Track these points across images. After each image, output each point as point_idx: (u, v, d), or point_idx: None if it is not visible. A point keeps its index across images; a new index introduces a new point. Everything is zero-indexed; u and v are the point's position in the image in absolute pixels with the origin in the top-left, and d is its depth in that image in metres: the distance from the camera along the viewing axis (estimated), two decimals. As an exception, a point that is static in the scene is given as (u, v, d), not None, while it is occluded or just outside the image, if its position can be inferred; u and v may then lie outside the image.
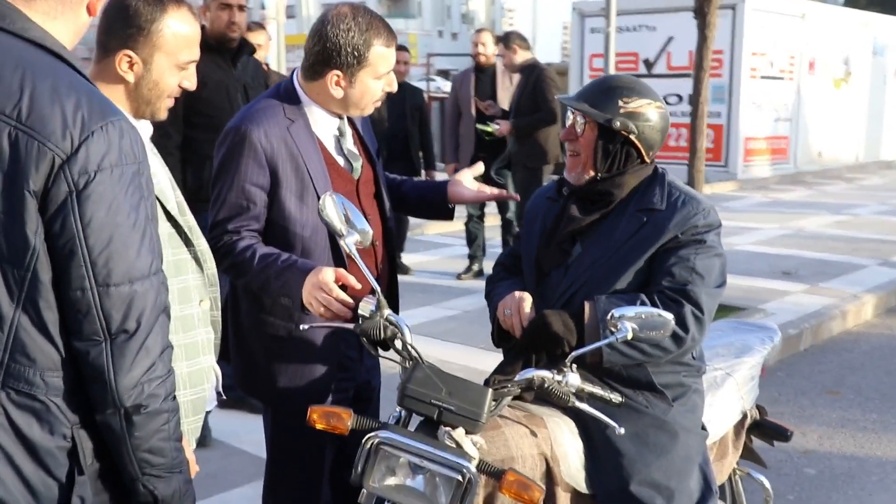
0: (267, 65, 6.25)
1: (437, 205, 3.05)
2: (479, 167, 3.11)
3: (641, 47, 16.28)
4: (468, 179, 3.02)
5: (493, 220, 8.75)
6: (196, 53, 2.25)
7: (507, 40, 7.93)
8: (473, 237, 8.39)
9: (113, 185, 1.64)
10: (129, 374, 1.68)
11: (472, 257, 8.41)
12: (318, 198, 2.58)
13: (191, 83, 2.27)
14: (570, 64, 17.83)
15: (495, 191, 3.07)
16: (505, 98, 8.04)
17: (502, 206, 8.27)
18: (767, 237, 10.80)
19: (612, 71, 11.92)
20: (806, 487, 4.50)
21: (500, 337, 2.81)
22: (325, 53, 2.63)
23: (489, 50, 8.14)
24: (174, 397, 1.79)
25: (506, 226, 8.33)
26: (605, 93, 2.68)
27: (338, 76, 2.65)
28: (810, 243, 10.37)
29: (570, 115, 2.76)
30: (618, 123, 2.63)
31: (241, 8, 4.64)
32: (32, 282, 1.63)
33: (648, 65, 16.37)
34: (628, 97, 2.66)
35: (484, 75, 8.19)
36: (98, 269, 1.64)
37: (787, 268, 8.87)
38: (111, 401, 1.69)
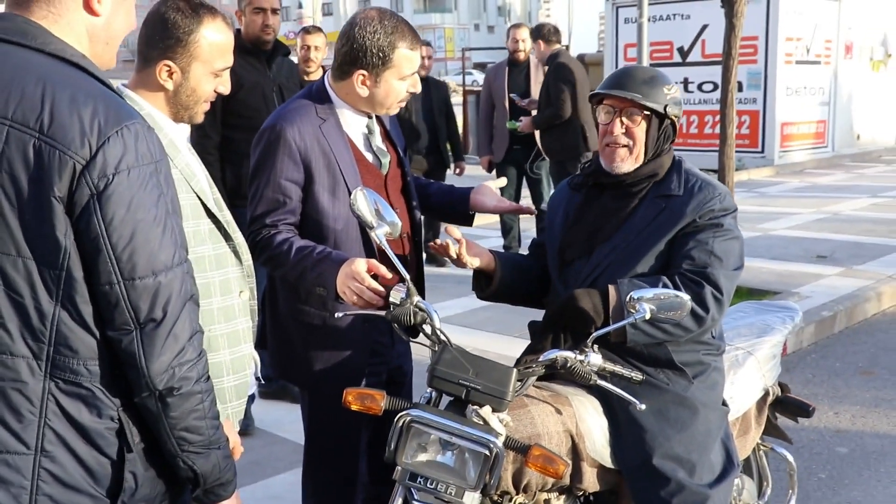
0: (323, 67, 6.37)
1: (459, 212, 3.20)
2: (502, 181, 3.28)
3: (676, 36, 16.25)
4: (491, 189, 3.15)
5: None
6: (230, 60, 2.38)
7: (535, 32, 8.05)
8: (508, 228, 8.51)
9: (131, 185, 1.74)
10: (160, 360, 1.79)
11: (507, 248, 8.52)
12: (350, 192, 2.73)
13: (225, 88, 2.40)
14: (605, 54, 17.84)
15: (514, 204, 3.22)
16: (538, 91, 8.15)
17: (536, 198, 8.38)
18: (803, 221, 10.79)
19: (645, 61, 11.97)
20: (837, 465, 4.57)
21: (477, 283, 3.01)
22: (353, 54, 2.78)
23: (528, 45, 8.26)
24: (207, 378, 1.90)
25: (540, 217, 8.42)
26: (648, 83, 2.80)
27: (363, 76, 2.79)
28: (846, 227, 10.35)
29: (608, 108, 2.83)
30: (671, 110, 2.79)
31: (275, 11, 4.81)
32: (67, 280, 1.74)
33: (683, 53, 16.33)
34: (668, 84, 2.82)
35: (517, 69, 8.30)
36: (123, 263, 1.74)
37: (823, 251, 8.88)
38: (145, 385, 1.80)
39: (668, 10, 16.26)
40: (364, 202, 2.59)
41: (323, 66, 6.29)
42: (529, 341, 2.90)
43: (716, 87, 15.09)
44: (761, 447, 3.34)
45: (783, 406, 3.31)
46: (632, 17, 16.22)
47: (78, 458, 1.81)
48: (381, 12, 2.81)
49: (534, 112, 7.98)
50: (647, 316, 2.42)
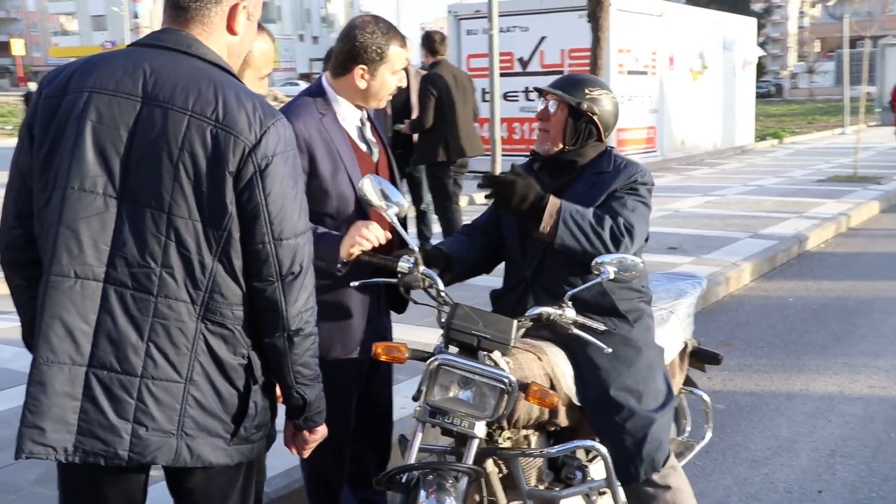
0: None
1: None
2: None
3: (516, 47, 17.08)
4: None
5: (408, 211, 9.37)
6: (271, 66, 2.83)
7: (425, 41, 8.59)
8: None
9: (282, 166, 2.18)
10: (295, 305, 2.22)
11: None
12: (348, 175, 3.20)
13: (265, 91, 2.84)
14: (449, 65, 18.57)
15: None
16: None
17: (416, 198, 8.90)
18: (650, 218, 11.72)
19: (496, 70, 12.73)
20: (719, 418, 5.31)
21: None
22: (354, 52, 3.23)
23: (410, 55, 8.76)
24: (317, 325, 2.34)
25: (420, 216, 8.96)
26: (574, 83, 3.41)
27: (363, 70, 3.24)
28: (688, 222, 11.40)
29: (542, 99, 3.45)
30: (585, 105, 3.35)
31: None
32: (227, 239, 2.15)
33: (523, 63, 17.21)
34: (592, 87, 3.40)
35: (397, 78, 8.75)
36: (275, 227, 2.17)
37: (673, 243, 9.79)
38: (281, 326, 2.23)
39: (508, 23, 17.01)
40: (371, 187, 3.03)
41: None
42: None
43: (556, 96, 16.00)
44: (682, 391, 3.98)
45: (697, 356, 3.97)
46: (474, 29, 17.06)
47: (215, 388, 2.22)
48: (375, 17, 3.31)
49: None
50: (611, 276, 2.99)
